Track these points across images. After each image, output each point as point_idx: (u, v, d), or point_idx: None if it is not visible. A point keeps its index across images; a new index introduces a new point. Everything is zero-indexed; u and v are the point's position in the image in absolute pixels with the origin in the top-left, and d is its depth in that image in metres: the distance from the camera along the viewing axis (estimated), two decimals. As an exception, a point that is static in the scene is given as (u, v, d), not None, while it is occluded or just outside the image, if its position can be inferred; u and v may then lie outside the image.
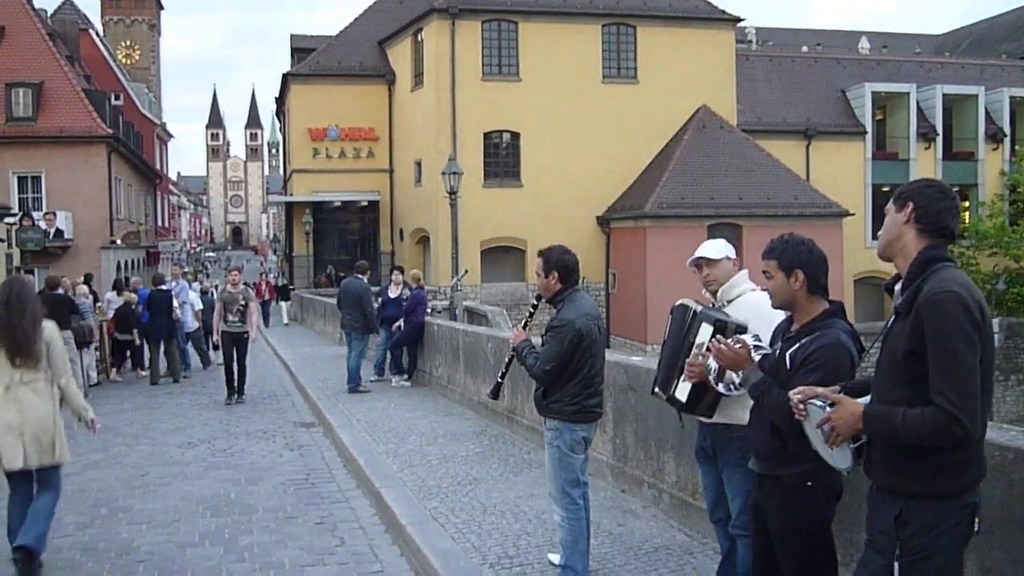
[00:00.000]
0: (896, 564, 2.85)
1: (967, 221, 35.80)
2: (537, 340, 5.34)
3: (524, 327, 5.41)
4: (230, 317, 13.16)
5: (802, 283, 3.53)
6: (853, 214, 33.07)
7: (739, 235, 30.11)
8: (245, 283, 17.68)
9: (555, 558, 5.33)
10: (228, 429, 11.07)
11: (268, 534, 6.63)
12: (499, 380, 5.59)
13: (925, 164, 37.94)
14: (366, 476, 7.91)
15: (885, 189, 38.67)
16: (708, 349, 3.89)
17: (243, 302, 13.25)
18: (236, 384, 13.26)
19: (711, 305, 4.50)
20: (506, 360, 5.54)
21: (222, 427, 11.23)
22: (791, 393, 3.11)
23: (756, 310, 4.21)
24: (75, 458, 9.28)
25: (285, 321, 31.99)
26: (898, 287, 3.02)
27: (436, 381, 13.09)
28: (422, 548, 5.79)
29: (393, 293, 14.33)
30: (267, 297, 33.40)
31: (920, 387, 2.79)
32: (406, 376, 13.96)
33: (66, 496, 7.70)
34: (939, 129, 38.64)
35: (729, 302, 4.47)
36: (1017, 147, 38.38)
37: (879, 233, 3.16)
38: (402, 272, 15.23)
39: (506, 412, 9.96)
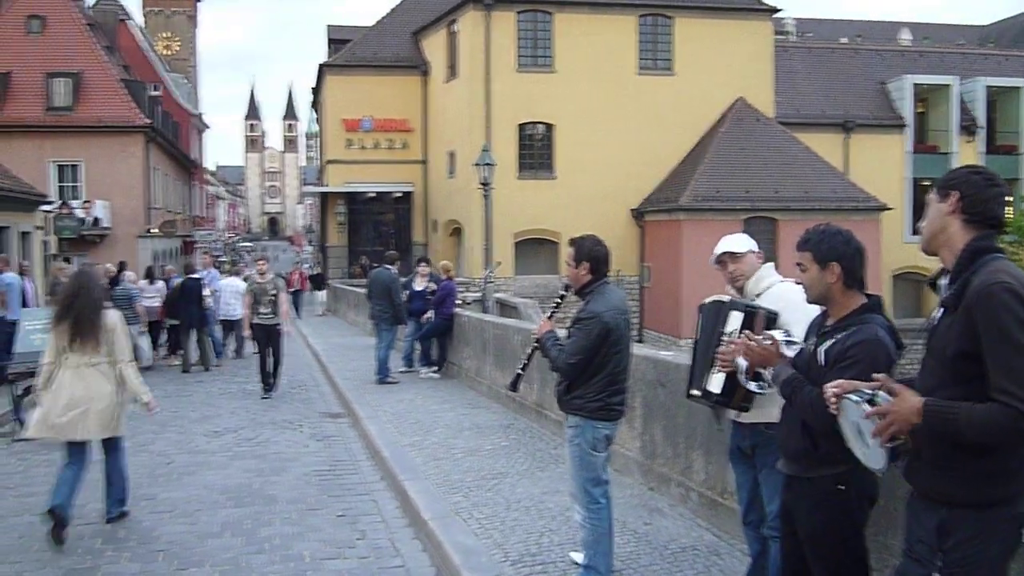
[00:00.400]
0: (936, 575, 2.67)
1: (1010, 216, 35.05)
2: (563, 332, 5.19)
3: (550, 318, 5.24)
4: (261, 309, 12.73)
5: (838, 276, 3.33)
6: (892, 208, 32.49)
7: (775, 229, 29.75)
8: (277, 273, 17.48)
9: (578, 557, 5.20)
10: (255, 418, 11.04)
11: (289, 526, 6.56)
12: (519, 372, 5.43)
13: (967, 158, 37.11)
14: (390, 469, 7.83)
15: (925, 183, 37.95)
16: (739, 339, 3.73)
17: (273, 292, 12.84)
18: (274, 378, 12.91)
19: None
20: (528, 351, 5.34)
21: (249, 416, 11.21)
22: (827, 386, 2.93)
23: (788, 301, 4.03)
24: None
25: (319, 312, 31.97)
26: (943, 281, 2.83)
27: (464, 373, 12.99)
28: (444, 543, 5.69)
29: (419, 286, 14.18)
30: (298, 287, 33.45)
31: (972, 387, 2.60)
32: (435, 368, 13.87)
33: (91, 483, 7.71)
34: (982, 122, 37.87)
35: (758, 296, 4.28)
36: (1062, 140, 37.54)
37: (921, 225, 2.95)
38: (428, 264, 15.07)
39: (534, 406, 9.83)
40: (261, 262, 13.53)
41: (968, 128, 37.70)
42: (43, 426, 6.31)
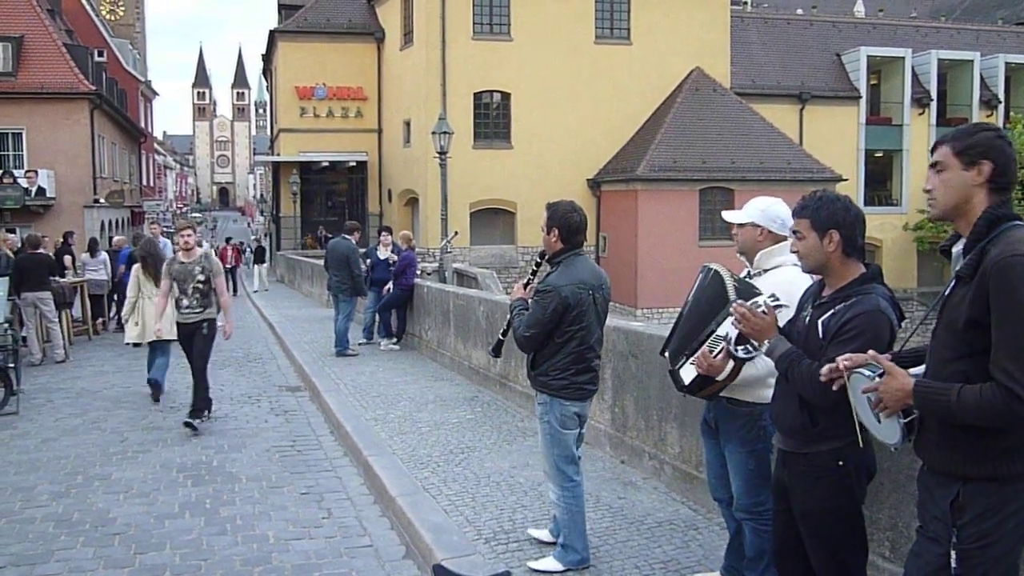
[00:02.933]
0: (953, 553, 2.56)
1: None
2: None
3: (525, 286, 5.03)
4: (183, 301, 8.76)
5: (837, 245, 3.19)
6: (846, 179, 32.78)
7: (731, 199, 29.85)
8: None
9: (536, 533, 5.15)
10: (212, 393, 10.66)
11: (251, 504, 6.33)
12: (501, 337, 5.22)
13: (919, 130, 37.63)
14: (354, 444, 7.62)
15: (878, 155, 38.40)
16: (734, 319, 3.54)
17: (202, 278, 8.71)
18: (194, 398, 8.87)
19: (746, 274, 4.07)
20: (508, 317, 5.04)
21: (205, 391, 10.87)
22: (839, 358, 2.77)
23: (787, 288, 3.64)
24: (52, 423, 9.05)
25: (255, 288, 30.16)
26: (956, 249, 2.69)
27: (426, 345, 12.79)
28: (413, 521, 5.51)
29: (382, 254, 13.96)
30: (233, 263, 32.31)
31: (981, 361, 2.48)
32: (395, 339, 13.65)
33: (42, 464, 7.47)
34: (933, 95, 38.29)
35: (765, 271, 3.98)
36: (1012, 113, 38.01)
37: (933, 191, 2.69)
38: (390, 233, 14.83)
39: (498, 377, 9.68)
40: (186, 232, 8.86)
41: (920, 100, 38.10)
42: (135, 334, 10.42)
